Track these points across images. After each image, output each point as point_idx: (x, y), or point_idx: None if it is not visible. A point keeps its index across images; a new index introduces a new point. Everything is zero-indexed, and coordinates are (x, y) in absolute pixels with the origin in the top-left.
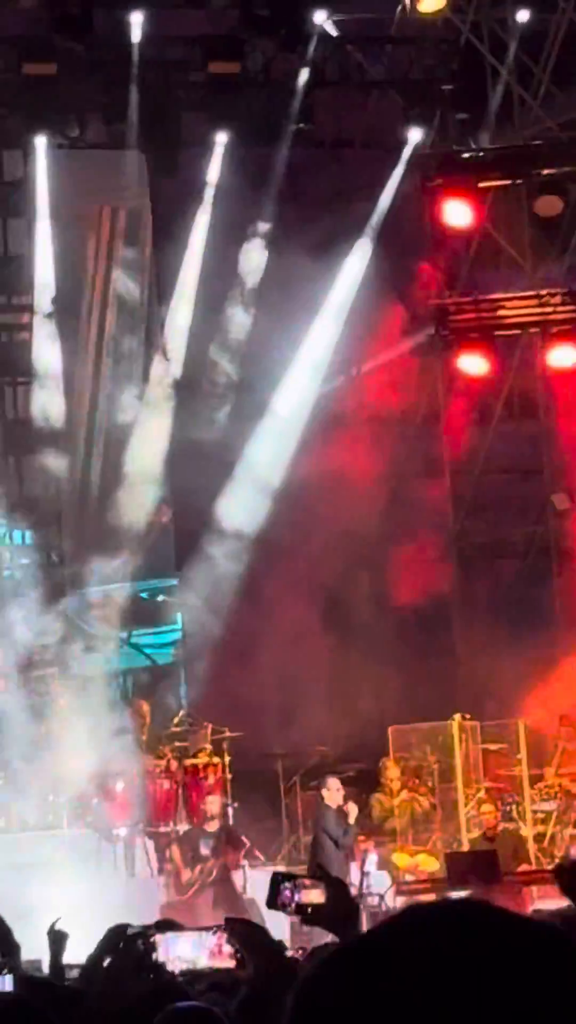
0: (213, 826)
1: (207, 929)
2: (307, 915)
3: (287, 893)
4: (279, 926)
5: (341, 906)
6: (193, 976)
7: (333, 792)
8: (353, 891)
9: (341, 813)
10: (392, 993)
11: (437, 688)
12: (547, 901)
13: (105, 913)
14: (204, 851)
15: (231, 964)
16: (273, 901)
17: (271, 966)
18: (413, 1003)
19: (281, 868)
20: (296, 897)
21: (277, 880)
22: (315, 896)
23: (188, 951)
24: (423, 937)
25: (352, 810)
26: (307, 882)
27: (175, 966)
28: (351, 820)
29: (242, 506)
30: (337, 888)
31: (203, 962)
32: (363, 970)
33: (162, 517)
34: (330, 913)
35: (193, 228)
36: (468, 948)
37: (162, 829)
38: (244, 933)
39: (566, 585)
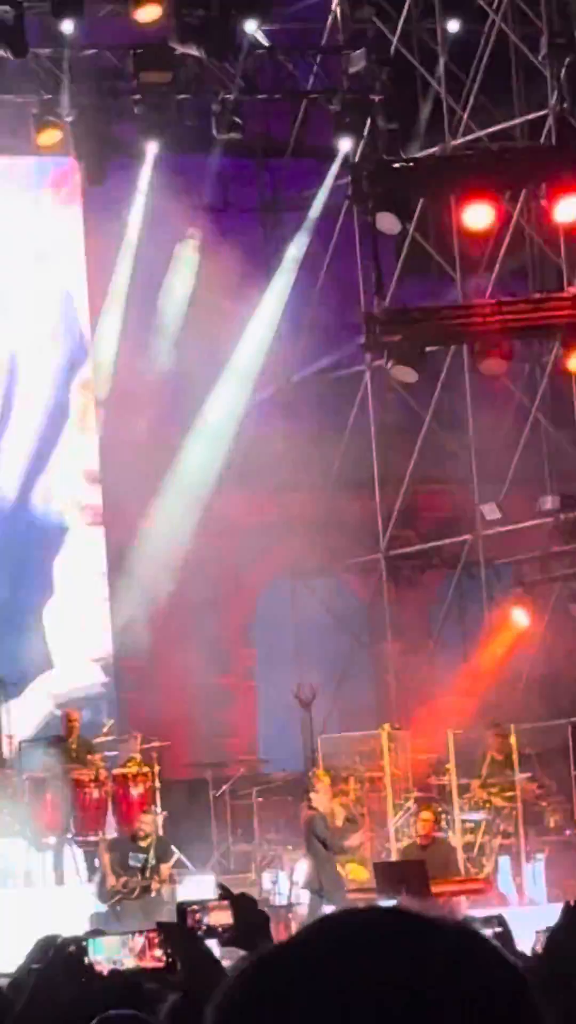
0: (146, 843)
1: (137, 932)
2: (219, 936)
3: (195, 917)
4: None
5: (250, 923)
6: (123, 977)
7: (321, 796)
8: (264, 901)
9: (329, 816)
10: (305, 1004)
11: (367, 698)
12: (476, 911)
13: (34, 922)
14: (133, 864)
15: (160, 966)
16: (183, 929)
17: (202, 969)
18: (326, 1013)
19: (210, 879)
20: (204, 920)
21: (183, 908)
22: (223, 916)
23: (114, 952)
24: (337, 947)
25: (339, 812)
26: (213, 904)
27: (101, 967)
28: (338, 822)
29: (170, 518)
30: (243, 904)
31: (130, 963)
32: (275, 982)
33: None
34: (240, 931)
35: (123, 237)
36: (382, 957)
37: (91, 838)
38: (175, 936)
39: (495, 595)
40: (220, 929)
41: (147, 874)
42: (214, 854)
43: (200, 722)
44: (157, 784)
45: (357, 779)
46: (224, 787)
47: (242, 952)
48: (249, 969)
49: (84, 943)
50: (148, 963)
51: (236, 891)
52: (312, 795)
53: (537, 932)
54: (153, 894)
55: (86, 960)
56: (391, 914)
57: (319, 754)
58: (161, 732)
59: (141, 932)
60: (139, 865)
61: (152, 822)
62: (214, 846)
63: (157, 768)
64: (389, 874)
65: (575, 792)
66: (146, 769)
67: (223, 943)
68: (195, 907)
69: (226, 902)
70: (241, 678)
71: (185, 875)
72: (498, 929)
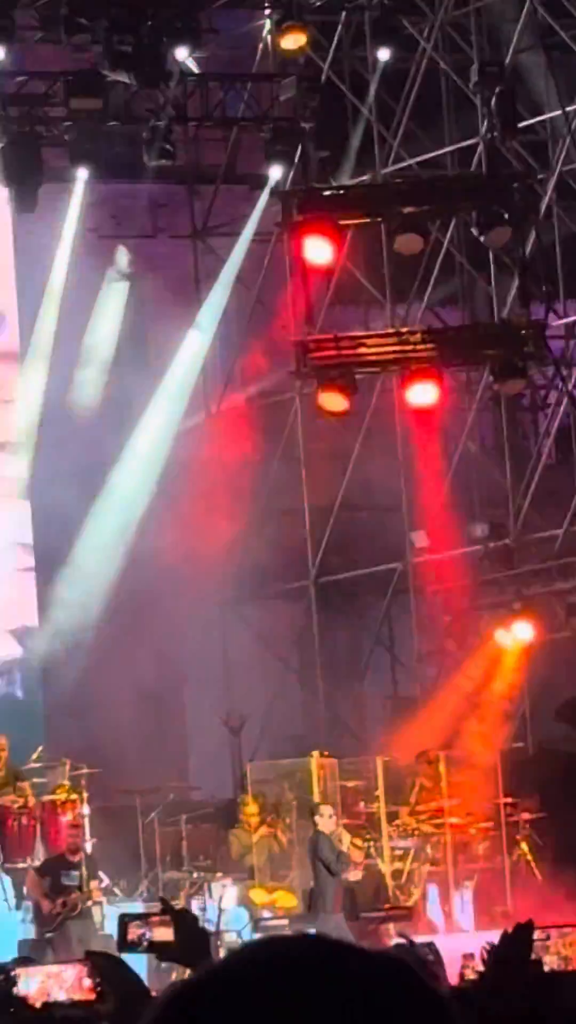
0: (76, 857)
1: (67, 963)
2: (160, 952)
3: (138, 932)
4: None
5: (191, 940)
6: (53, 1009)
7: (326, 819)
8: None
9: (335, 840)
10: None
11: (296, 724)
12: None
13: None
14: (66, 882)
15: (91, 997)
16: (124, 942)
17: (132, 1000)
18: None
19: (138, 907)
20: (147, 935)
21: (125, 921)
22: (165, 933)
23: (47, 985)
24: (258, 975)
25: (345, 837)
26: (155, 919)
27: (35, 1000)
28: (344, 847)
29: (100, 545)
30: (185, 922)
31: (62, 996)
32: (198, 1010)
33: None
34: (181, 948)
35: (54, 263)
36: (306, 984)
37: (20, 865)
38: (105, 967)
39: (424, 622)
40: (161, 945)
41: (83, 889)
42: (143, 881)
43: (129, 748)
44: (86, 811)
45: (286, 808)
46: (153, 814)
47: (183, 968)
48: (172, 998)
49: (13, 973)
50: (78, 995)
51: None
52: (317, 818)
53: (464, 956)
54: (82, 915)
55: (15, 992)
56: (313, 942)
57: (248, 781)
58: (90, 759)
59: (72, 963)
60: (74, 883)
61: (80, 834)
62: (143, 873)
63: (86, 795)
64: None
65: (503, 819)
66: (75, 796)
67: (162, 959)
68: (137, 922)
69: (168, 918)
70: (171, 704)
71: (114, 901)
72: (430, 957)
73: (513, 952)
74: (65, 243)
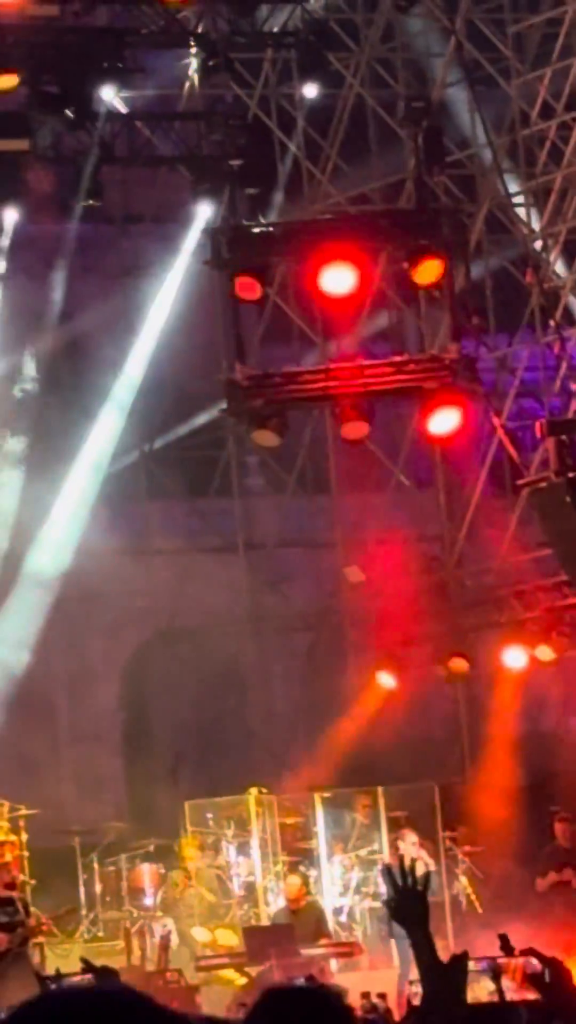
0: (9, 893)
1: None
2: None
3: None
4: None
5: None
6: None
7: (408, 845)
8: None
9: (421, 865)
10: None
11: (234, 761)
12: (347, 975)
13: None
14: (3, 919)
15: None
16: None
17: None
18: None
19: (77, 947)
20: None
21: (45, 983)
22: None
23: None
24: None
25: (420, 869)
26: (76, 979)
27: None
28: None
29: (33, 585)
30: (105, 979)
31: None
32: None
33: None
34: None
35: None
36: None
37: None
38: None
39: (359, 658)
40: None
41: (22, 921)
42: (83, 923)
43: (67, 787)
44: (25, 852)
45: (225, 845)
46: (92, 854)
47: None
48: None
49: None
50: None
51: (105, 962)
52: (400, 843)
53: (408, 983)
54: (18, 958)
55: None
56: (98, 996)
57: (187, 819)
58: (27, 799)
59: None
60: (9, 919)
61: (10, 870)
62: (83, 914)
63: (24, 836)
64: (259, 939)
65: (442, 854)
66: (13, 837)
67: None
68: (55, 983)
69: (88, 975)
70: (108, 743)
71: (54, 943)
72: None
73: (448, 982)
74: None
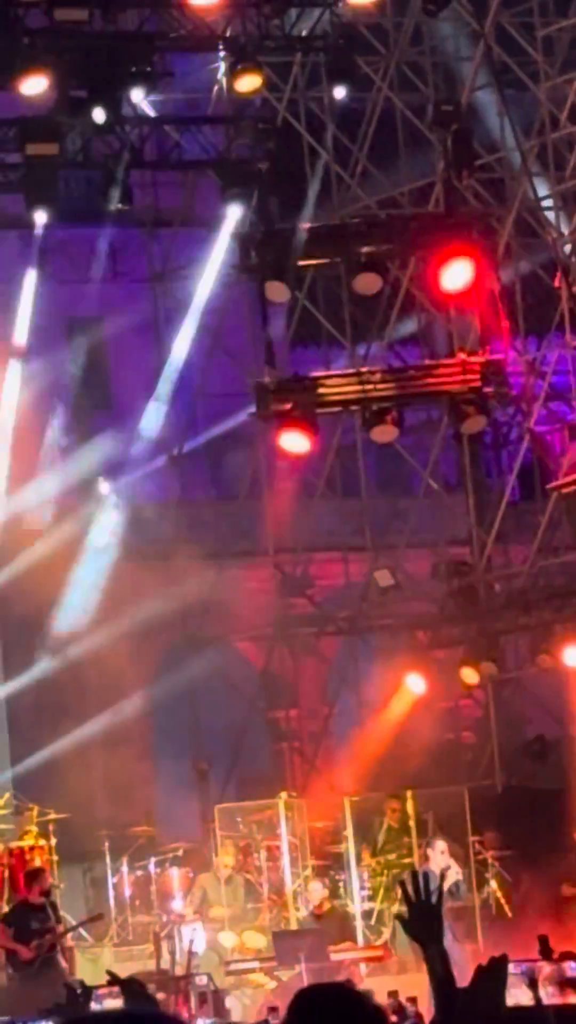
0: (41, 900)
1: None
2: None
3: (89, 1004)
4: None
5: (138, 1006)
6: None
7: (438, 854)
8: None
9: (451, 874)
10: None
11: (263, 766)
12: (377, 979)
13: None
14: (35, 925)
15: None
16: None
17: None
18: None
19: (107, 951)
20: (98, 1007)
21: (74, 992)
22: (115, 1003)
23: None
24: None
25: (451, 876)
26: (102, 991)
27: None
28: (446, 885)
29: (69, 605)
30: (131, 990)
31: None
32: None
33: None
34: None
35: (15, 309)
36: None
37: None
38: (129, 994)
39: (388, 662)
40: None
41: (53, 927)
42: (112, 926)
43: (97, 793)
44: (54, 857)
45: (255, 849)
46: (121, 858)
47: None
48: None
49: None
50: None
51: (133, 966)
52: (429, 851)
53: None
54: (48, 964)
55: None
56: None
57: (216, 824)
58: (57, 804)
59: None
60: (42, 925)
61: (46, 879)
62: (112, 918)
63: (53, 840)
64: (288, 942)
65: (472, 857)
66: (42, 842)
67: None
68: (83, 995)
69: (114, 988)
70: (138, 748)
71: (84, 947)
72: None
73: (487, 987)
74: (26, 289)
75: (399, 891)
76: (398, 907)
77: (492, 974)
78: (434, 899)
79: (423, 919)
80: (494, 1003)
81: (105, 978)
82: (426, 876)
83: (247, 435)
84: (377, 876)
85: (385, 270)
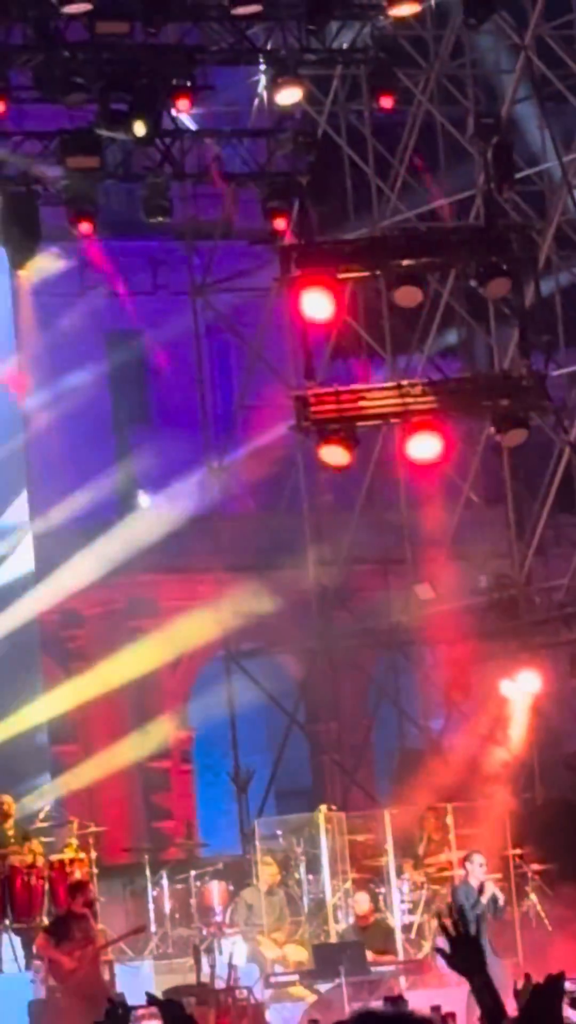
0: (83, 911)
1: None
2: None
3: None
4: None
5: None
6: None
7: (476, 867)
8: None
9: (488, 887)
10: None
11: (303, 779)
12: (417, 992)
13: None
14: (77, 934)
15: None
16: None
17: None
18: None
19: (147, 963)
20: None
21: (115, 1009)
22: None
23: None
24: None
25: (488, 889)
26: (141, 1012)
27: None
28: (484, 899)
29: (104, 602)
30: (170, 1011)
31: None
32: None
33: None
34: None
35: (56, 321)
36: None
37: (29, 925)
38: (167, 1013)
39: (430, 675)
40: None
41: (94, 939)
42: (152, 939)
43: (137, 806)
44: (94, 870)
45: (295, 862)
46: (161, 871)
47: None
48: None
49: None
50: None
51: (173, 979)
52: (468, 865)
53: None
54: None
55: None
56: None
57: (256, 837)
58: (97, 817)
59: None
60: (84, 936)
61: (88, 891)
62: (152, 931)
63: (94, 854)
64: (328, 955)
65: (512, 871)
66: (82, 855)
67: None
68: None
69: (153, 1008)
70: (178, 761)
71: (124, 960)
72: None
73: (544, 1006)
74: (68, 302)
75: (443, 902)
76: (434, 938)
77: (549, 992)
78: (472, 930)
79: (464, 952)
80: (553, 1019)
81: (144, 998)
82: (461, 909)
83: (287, 448)
84: (418, 889)
85: (425, 283)
